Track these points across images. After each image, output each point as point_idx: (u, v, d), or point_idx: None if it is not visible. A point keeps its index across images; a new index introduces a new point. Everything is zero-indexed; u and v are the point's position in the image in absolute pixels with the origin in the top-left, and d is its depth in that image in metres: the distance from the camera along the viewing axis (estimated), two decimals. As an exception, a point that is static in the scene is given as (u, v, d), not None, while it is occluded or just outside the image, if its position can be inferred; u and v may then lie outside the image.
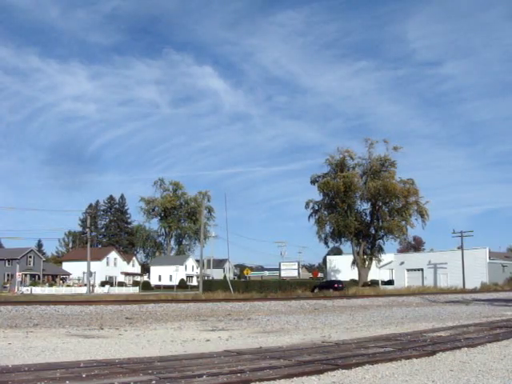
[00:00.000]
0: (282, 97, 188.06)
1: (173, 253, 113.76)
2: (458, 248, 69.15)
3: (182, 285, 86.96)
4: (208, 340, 9.52)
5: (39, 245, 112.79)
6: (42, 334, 10.46)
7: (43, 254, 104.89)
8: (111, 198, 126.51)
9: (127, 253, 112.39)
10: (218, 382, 4.80)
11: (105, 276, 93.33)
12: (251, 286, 54.59)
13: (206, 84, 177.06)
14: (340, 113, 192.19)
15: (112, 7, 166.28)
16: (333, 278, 76.62)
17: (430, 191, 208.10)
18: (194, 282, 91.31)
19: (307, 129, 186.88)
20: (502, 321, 13.22)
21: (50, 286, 76.59)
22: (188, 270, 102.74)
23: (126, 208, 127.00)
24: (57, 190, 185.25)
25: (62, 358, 6.95)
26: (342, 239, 68.90)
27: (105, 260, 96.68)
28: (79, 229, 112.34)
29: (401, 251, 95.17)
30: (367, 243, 68.89)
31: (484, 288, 56.26)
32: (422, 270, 71.83)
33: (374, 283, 70.29)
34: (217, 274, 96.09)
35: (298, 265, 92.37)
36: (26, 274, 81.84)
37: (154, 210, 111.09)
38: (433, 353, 6.87)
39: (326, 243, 70.32)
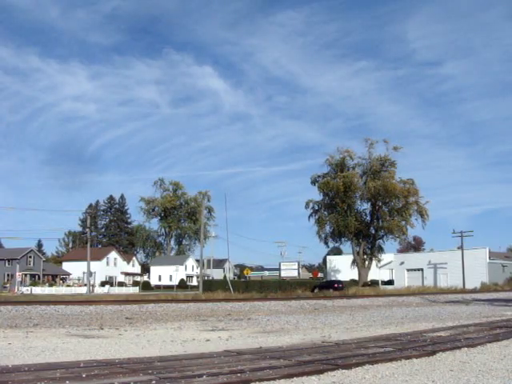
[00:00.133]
0: (282, 97, 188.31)
1: (173, 253, 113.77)
2: (458, 248, 69.15)
3: (182, 285, 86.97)
4: (208, 340, 9.52)
5: (39, 245, 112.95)
6: (42, 334, 10.46)
7: (43, 253, 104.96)
8: (111, 198, 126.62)
9: (127, 253, 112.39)
10: (217, 382, 4.80)
11: (105, 276, 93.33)
12: (251, 286, 54.60)
13: (205, 84, 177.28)
14: (340, 113, 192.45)
15: (112, 7, 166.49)
16: (333, 278, 76.61)
17: (430, 191, 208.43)
18: (194, 282, 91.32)
19: (307, 129, 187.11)
20: (502, 321, 13.22)
21: (50, 286, 76.60)
22: (188, 269, 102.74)
23: (126, 208, 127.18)
24: (57, 190, 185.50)
25: (62, 358, 6.95)
26: (342, 239, 68.95)
27: (105, 260, 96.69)
28: (79, 229, 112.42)
29: (401, 251, 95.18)
30: (367, 243, 68.91)
31: (484, 288, 56.26)
32: (421, 270, 71.82)
33: (374, 283, 70.30)
34: (217, 274, 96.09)
35: (298, 265, 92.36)
36: (25, 274, 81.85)
37: (154, 209, 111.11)
38: (433, 353, 6.87)
39: (326, 243, 70.43)
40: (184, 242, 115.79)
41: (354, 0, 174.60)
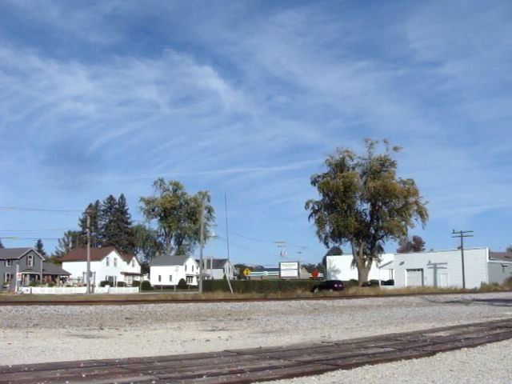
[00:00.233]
0: (282, 97, 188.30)
1: (173, 253, 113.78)
2: (458, 248, 69.14)
3: (182, 285, 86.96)
4: (208, 340, 9.52)
5: (39, 245, 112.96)
6: (42, 334, 10.46)
7: (43, 254, 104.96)
8: (111, 198, 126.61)
9: (127, 253, 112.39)
10: (217, 382, 4.80)
11: (105, 276, 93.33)
12: (251, 286, 54.61)
13: (205, 84, 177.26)
14: (340, 113, 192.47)
15: (112, 7, 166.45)
16: (333, 278, 76.63)
17: (430, 191, 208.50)
18: (194, 282, 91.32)
19: (307, 129, 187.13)
20: (502, 321, 13.22)
21: (50, 286, 76.60)
22: (188, 270, 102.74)
23: (125, 208, 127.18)
24: (57, 190, 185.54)
25: (62, 358, 6.95)
26: (342, 239, 68.96)
27: (105, 260, 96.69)
28: (79, 229, 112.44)
29: (401, 251, 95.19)
30: (367, 243, 68.92)
31: (484, 288, 56.25)
32: (421, 270, 71.81)
33: (374, 283, 70.30)
34: (217, 274, 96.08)
35: (298, 265, 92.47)
36: (25, 274, 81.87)
37: (153, 210, 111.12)
38: (433, 353, 6.87)
39: (325, 243, 70.44)
40: (184, 242, 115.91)
41: (353, 0, 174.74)
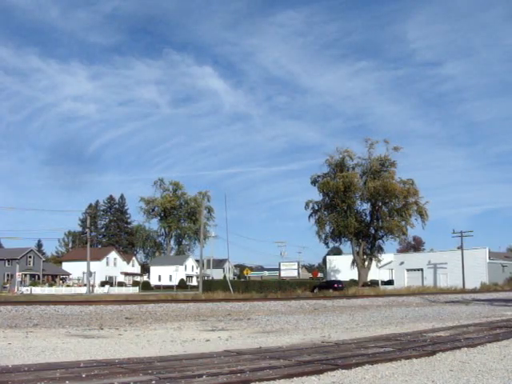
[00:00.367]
0: (282, 97, 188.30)
1: (173, 253, 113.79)
2: (458, 248, 69.14)
3: (182, 285, 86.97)
4: (208, 340, 9.52)
5: (39, 245, 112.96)
6: (42, 334, 10.46)
7: (43, 254, 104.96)
8: (111, 198, 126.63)
9: (127, 253, 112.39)
10: (217, 381, 4.80)
11: (105, 276, 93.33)
12: (251, 286, 54.60)
13: (205, 84, 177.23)
14: (340, 113, 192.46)
15: (112, 7, 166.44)
16: (333, 278, 76.64)
17: (430, 191, 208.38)
18: (194, 282, 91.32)
19: (307, 129, 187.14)
20: (502, 321, 13.22)
21: (50, 286, 76.60)
22: (188, 270, 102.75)
23: (125, 208, 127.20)
24: (57, 190, 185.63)
25: (62, 358, 6.95)
26: (342, 239, 69.00)
27: (105, 260, 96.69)
28: (79, 229, 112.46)
29: (401, 251, 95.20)
30: (367, 243, 68.94)
31: (484, 288, 56.25)
32: (421, 270, 71.81)
33: (374, 283, 70.33)
34: (217, 274, 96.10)
35: (298, 265, 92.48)
36: (25, 274, 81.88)
37: (153, 210, 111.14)
38: (433, 353, 6.87)
39: (325, 243, 70.48)
40: (184, 242, 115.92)
41: (354, 0, 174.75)
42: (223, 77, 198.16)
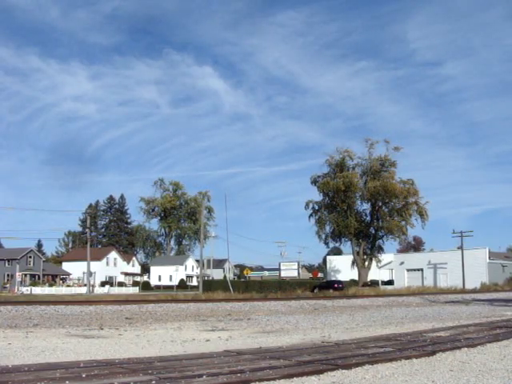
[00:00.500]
0: (282, 97, 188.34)
1: (173, 253, 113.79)
2: (458, 248, 69.14)
3: (182, 285, 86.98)
4: (208, 340, 9.52)
5: (39, 245, 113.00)
6: (42, 334, 10.46)
7: (43, 254, 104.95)
8: (111, 198, 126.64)
9: (127, 253, 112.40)
10: (217, 382, 4.80)
11: (105, 276, 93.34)
12: (251, 286, 54.58)
13: (206, 84, 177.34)
14: (340, 113, 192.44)
15: (112, 7, 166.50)
16: (333, 278, 76.63)
17: (430, 191, 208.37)
18: (194, 282, 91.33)
19: (307, 129, 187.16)
20: (502, 321, 13.22)
21: (50, 286, 76.61)
22: (188, 270, 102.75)
23: (125, 208, 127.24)
24: (57, 190, 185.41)
25: (62, 357, 6.95)
26: (342, 239, 69.04)
27: (105, 260, 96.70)
28: (79, 229, 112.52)
29: (401, 251, 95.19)
30: (367, 243, 68.96)
31: (484, 288, 56.25)
32: (421, 270, 71.81)
33: (374, 283, 70.30)
34: (217, 274, 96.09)
35: (298, 265, 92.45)
36: (25, 274, 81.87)
37: (153, 210, 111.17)
38: (433, 353, 6.87)
39: (326, 243, 70.53)
40: (184, 242, 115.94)
41: (354, 0, 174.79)
42: (223, 77, 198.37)
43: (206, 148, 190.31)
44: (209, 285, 56.05)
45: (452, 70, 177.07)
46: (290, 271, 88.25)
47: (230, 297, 34.58)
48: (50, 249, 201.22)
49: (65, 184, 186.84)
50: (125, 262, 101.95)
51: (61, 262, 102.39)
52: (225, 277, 72.44)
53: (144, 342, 9.28)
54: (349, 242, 68.56)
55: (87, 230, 70.61)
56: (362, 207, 70.09)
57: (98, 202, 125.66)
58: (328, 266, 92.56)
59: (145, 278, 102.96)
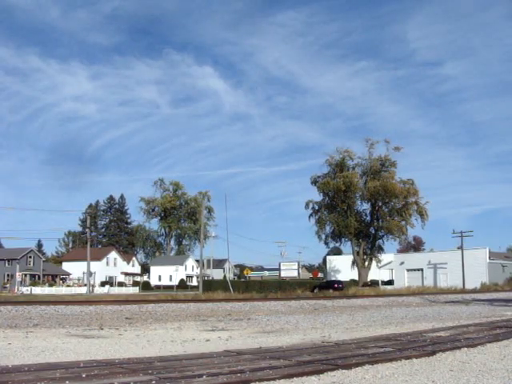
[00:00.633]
0: (282, 97, 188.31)
1: (173, 253, 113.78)
2: (458, 248, 69.15)
3: (182, 285, 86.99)
4: (208, 340, 9.52)
5: (39, 245, 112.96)
6: (42, 334, 10.46)
7: (43, 254, 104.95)
8: (111, 198, 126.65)
9: (127, 253, 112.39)
10: (217, 382, 4.80)
11: (105, 276, 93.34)
12: (251, 286, 54.58)
13: (206, 84, 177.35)
14: (340, 113, 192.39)
15: (112, 7, 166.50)
16: (333, 278, 76.61)
17: (430, 191, 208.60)
18: (194, 282, 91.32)
19: (307, 129, 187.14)
20: (502, 321, 13.22)
21: (50, 286, 76.62)
22: (188, 270, 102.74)
23: (125, 208, 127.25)
24: (57, 190, 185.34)
25: (62, 357, 6.95)
26: (342, 239, 69.04)
27: (105, 260, 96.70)
28: (79, 229, 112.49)
29: (401, 251, 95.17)
30: (367, 243, 68.97)
31: (484, 288, 56.25)
32: (421, 270, 71.81)
33: (374, 283, 70.29)
34: (217, 274, 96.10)
35: (298, 265, 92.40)
36: (25, 274, 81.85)
37: (153, 210, 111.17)
38: (433, 353, 6.87)
39: (326, 243, 70.55)
40: (184, 242, 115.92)
41: (354, 0, 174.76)
42: (223, 77, 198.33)
43: (206, 148, 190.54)
44: (209, 285, 56.04)
45: (452, 70, 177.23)
46: (290, 271, 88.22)
47: (230, 297, 34.58)
48: (50, 249, 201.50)
49: (65, 184, 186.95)
50: (125, 262, 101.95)
51: (61, 262, 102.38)
52: (225, 277, 72.45)
53: (144, 341, 9.28)
54: (349, 242, 68.63)
55: (87, 229, 70.60)
56: (362, 207, 70.22)
57: (98, 202, 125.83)
58: (328, 266, 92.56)
59: (145, 278, 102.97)
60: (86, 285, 66.95)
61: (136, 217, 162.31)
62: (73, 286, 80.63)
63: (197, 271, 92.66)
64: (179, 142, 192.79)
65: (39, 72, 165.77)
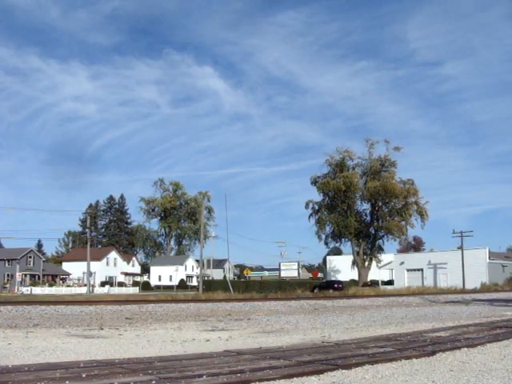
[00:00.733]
0: (282, 97, 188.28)
1: (173, 253, 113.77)
2: (458, 248, 69.14)
3: (182, 285, 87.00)
4: (208, 340, 9.52)
5: (39, 245, 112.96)
6: (42, 334, 10.46)
7: (43, 254, 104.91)
8: (111, 198, 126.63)
9: (127, 253, 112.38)
10: (217, 382, 4.80)
11: (105, 276, 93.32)
12: (251, 286, 54.60)
13: (206, 84, 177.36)
14: (340, 113, 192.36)
15: (112, 7, 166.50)
16: (333, 278, 76.62)
17: (430, 191, 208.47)
18: (194, 282, 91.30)
19: (307, 129, 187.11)
20: (502, 321, 13.22)
21: (50, 286, 76.59)
22: (188, 270, 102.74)
23: (125, 208, 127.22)
24: (57, 190, 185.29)
25: (62, 358, 6.95)
26: (342, 239, 69.03)
27: (105, 260, 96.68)
28: (79, 229, 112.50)
29: (401, 251, 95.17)
30: (367, 243, 68.96)
31: (484, 288, 56.25)
32: (421, 270, 71.81)
33: (374, 283, 70.30)
34: (217, 274, 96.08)
35: (298, 265, 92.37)
36: (25, 274, 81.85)
37: (153, 210, 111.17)
38: (433, 353, 6.87)
39: (326, 243, 70.55)
40: (184, 242, 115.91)
41: (354, 0, 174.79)
42: (223, 77, 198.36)
43: (206, 148, 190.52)
44: (209, 285, 56.05)
45: (452, 70, 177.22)
46: (289, 271, 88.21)
47: (230, 297, 34.58)
48: (50, 249, 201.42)
49: (65, 184, 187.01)
50: (125, 262, 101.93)
51: (61, 262, 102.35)
52: (225, 277, 72.44)
53: (144, 341, 9.28)
54: (349, 242, 68.62)
55: (87, 229, 70.60)
56: (362, 207, 70.22)
57: (97, 202, 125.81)
58: (328, 266, 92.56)
59: (145, 278, 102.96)
60: (85, 285, 66.95)
61: (136, 217, 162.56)
62: (73, 286, 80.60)
63: (197, 271, 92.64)
64: (179, 141, 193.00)
65: (39, 72, 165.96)
